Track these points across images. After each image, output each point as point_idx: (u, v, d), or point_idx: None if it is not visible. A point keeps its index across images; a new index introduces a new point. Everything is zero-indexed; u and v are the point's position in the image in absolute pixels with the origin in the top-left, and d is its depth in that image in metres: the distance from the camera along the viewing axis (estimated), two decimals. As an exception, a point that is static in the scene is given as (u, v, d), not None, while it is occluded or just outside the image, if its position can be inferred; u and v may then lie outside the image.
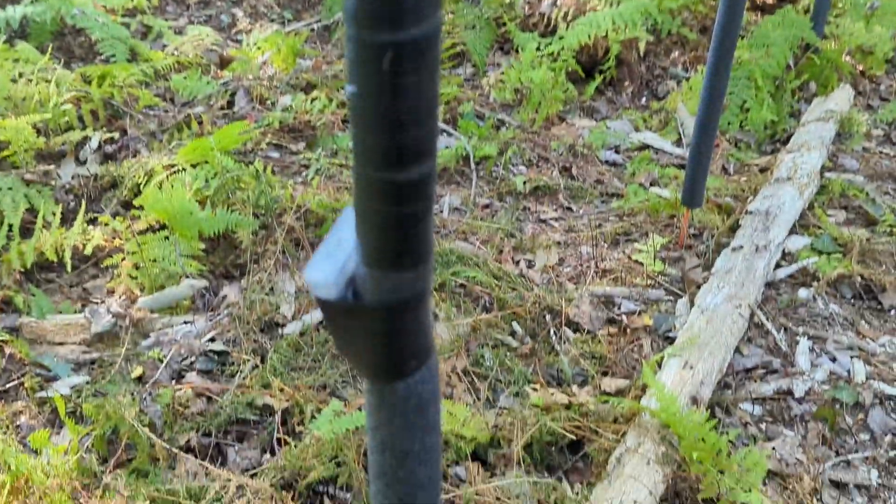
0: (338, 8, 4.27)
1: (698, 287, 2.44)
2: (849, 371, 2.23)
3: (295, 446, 1.82)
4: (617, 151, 3.32)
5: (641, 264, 2.57)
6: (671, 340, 2.25)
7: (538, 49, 3.64)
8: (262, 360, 2.12)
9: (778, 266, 2.59)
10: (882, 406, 2.13)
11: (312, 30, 4.22)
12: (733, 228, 2.69)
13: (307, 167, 3.01)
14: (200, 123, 3.08)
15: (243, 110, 3.30)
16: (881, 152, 3.34)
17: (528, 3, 4.01)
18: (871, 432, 2.07)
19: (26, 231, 2.48)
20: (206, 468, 1.79)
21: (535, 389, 2.04)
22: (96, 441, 1.86)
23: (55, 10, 3.47)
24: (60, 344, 2.18)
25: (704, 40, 3.80)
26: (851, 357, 2.27)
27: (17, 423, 1.93)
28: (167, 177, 2.61)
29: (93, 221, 2.56)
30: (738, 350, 2.25)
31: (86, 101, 3.04)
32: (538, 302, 2.33)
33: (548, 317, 2.32)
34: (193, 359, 2.15)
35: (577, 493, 1.79)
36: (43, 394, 2.01)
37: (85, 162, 2.88)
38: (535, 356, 2.19)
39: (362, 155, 0.58)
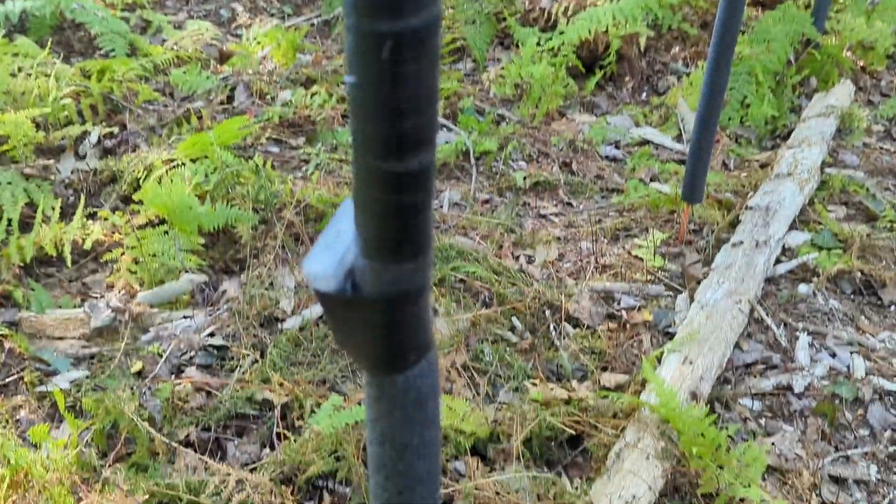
0: (337, 3, 4.26)
1: (698, 282, 2.44)
2: (848, 367, 2.23)
3: (294, 441, 1.82)
4: (617, 147, 3.31)
5: (641, 260, 2.57)
6: (671, 336, 2.24)
7: (538, 44, 3.64)
8: (262, 355, 2.12)
9: (778, 262, 2.59)
10: (881, 402, 2.13)
11: (312, 25, 4.21)
12: (733, 224, 2.69)
13: (307, 162, 3.01)
14: (200, 118, 3.07)
15: (243, 105, 3.30)
16: (882, 148, 3.34)
17: (528, -2, 4.00)
18: (870, 428, 2.07)
19: (26, 225, 2.48)
20: (206, 463, 1.79)
21: (534, 384, 2.04)
22: (96, 435, 1.86)
23: (54, 5, 3.47)
24: (60, 338, 2.18)
25: (705, 35, 3.79)
26: (851, 353, 2.27)
27: (17, 417, 1.93)
28: (167, 171, 2.61)
29: (92, 216, 2.56)
30: (737, 345, 2.25)
31: (85, 96, 3.03)
32: (538, 297, 2.33)
33: (547, 312, 2.31)
34: (193, 353, 2.15)
35: (577, 488, 1.79)
36: (42, 388, 2.01)
37: (84, 156, 2.87)
38: (534, 351, 2.19)
39: (362, 144, 0.58)
